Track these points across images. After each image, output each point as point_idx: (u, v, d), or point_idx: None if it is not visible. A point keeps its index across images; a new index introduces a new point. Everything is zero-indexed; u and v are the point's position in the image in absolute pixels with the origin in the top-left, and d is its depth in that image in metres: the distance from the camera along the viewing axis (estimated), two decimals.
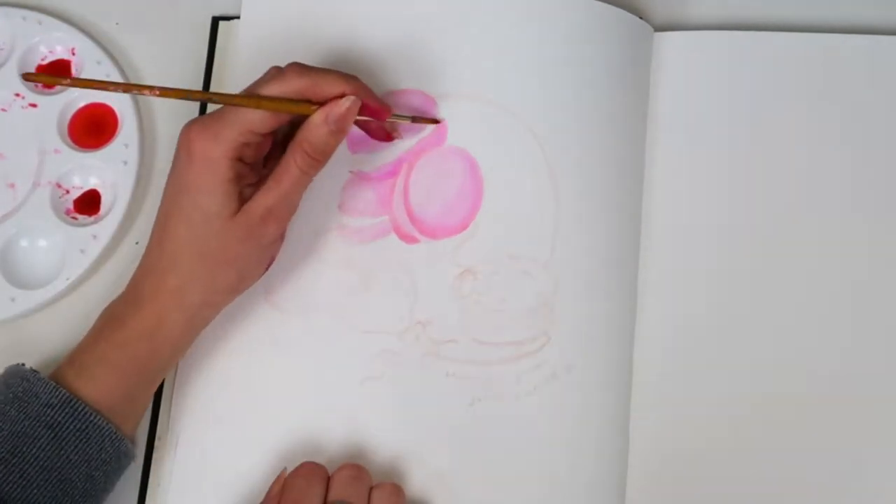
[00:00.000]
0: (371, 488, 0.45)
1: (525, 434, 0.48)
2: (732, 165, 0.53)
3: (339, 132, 0.45)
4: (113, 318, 0.45)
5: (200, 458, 0.49)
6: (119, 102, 0.55)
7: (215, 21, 0.56)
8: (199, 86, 0.55)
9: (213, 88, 0.55)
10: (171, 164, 0.45)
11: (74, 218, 0.53)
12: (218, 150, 0.43)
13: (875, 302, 0.52)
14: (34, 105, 0.54)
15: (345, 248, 0.51)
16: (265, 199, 0.44)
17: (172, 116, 0.55)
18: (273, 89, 0.44)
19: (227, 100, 0.44)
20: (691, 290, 0.52)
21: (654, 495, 0.49)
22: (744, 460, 0.50)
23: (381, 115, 0.48)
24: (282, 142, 0.47)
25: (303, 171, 0.45)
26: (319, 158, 0.45)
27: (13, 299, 0.51)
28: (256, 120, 0.43)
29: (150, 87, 0.42)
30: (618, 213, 0.52)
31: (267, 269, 0.49)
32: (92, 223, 0.53)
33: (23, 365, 0.46)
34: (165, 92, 0.42)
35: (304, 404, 0.49)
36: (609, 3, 0.54)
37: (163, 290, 0.44)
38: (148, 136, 0.55)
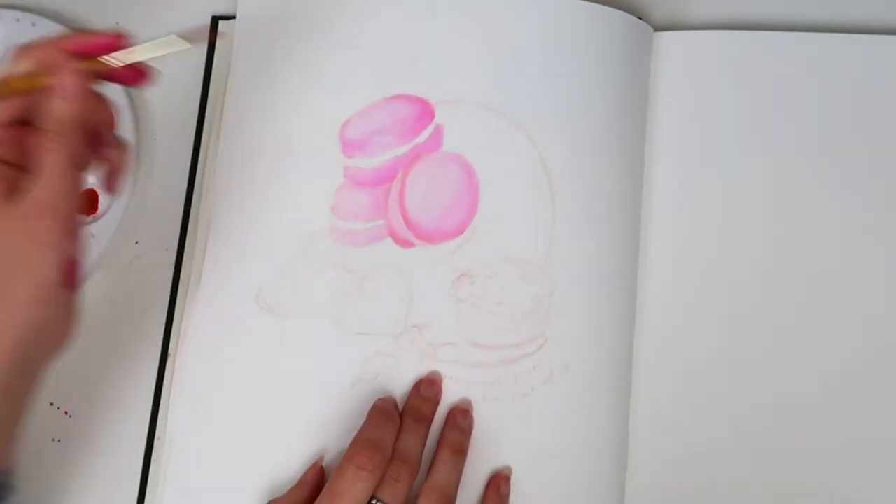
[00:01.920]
0: (418, 494, 0.46)
1: (524, 436, 0.49)
2: (733, 165, 0.54)
3: (76, 98, 0.41)
4: None
5: (194, 461, 0.49)
6: (116, 100, 0.54)
7: (215, 20, 0.56)
8: (198, 85, 0.55)
9: (212, 88, 0.55)
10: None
11: None
12: None
13: (877, 301, 0.52)
14: None
15: (339, 251, 0.51)
16: (31, 196, 0.40)
17: (170, 114, 0.55)
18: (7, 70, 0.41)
19: None
20: (692, 291, 0.52)
21: (654, 496, 0.50)
22: (744, 462, 0.50)
23: (118, 43, 0.43)
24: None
25: (57, 151, 0.41)
26: (67, 134, 0.41)
27: None
28: None
29: None
30: (616, 214, 0.52)
31: (71, 282, 0.42)
32: (90, 222, 0.53)
33: None
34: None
35: (297, 406, 0.49)
36: (608, 3, 0.54)
37: None
38: (144, 134, 0.55)
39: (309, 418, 0.49)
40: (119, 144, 0.45)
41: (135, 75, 0.45)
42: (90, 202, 0.54)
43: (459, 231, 0.51)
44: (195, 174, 0.54)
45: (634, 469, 0.50)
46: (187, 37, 0.43)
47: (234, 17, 0.55)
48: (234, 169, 0.53)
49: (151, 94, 0.56)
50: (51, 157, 0.40)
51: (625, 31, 0.54)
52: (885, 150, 0.54)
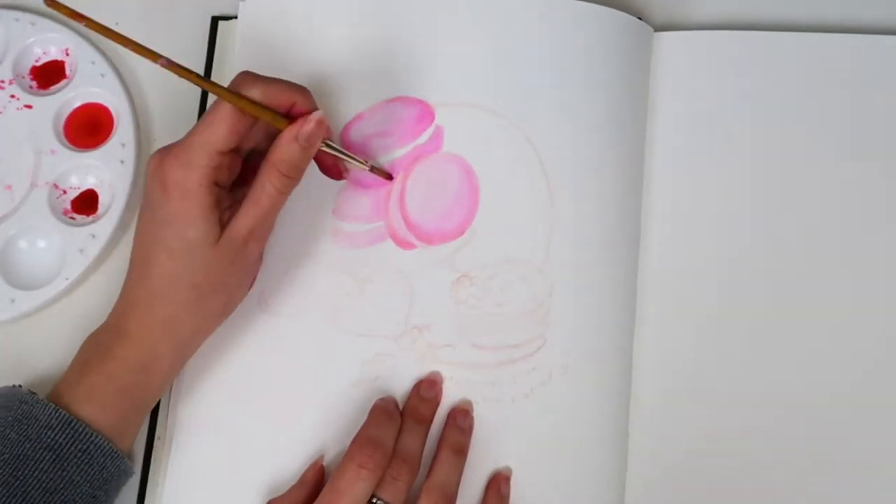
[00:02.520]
0: (418, 495, 0.46)
1: (523, 436, 0.49)
2: (733, 165, 0.54)
3: (309, 148, 0.45)
4: (101, 349, 0.46)
5: (194, 461, 0.49)
6: (114, 102, 0.55)
7: (214, 21, 0.56)
8: (197, 89, 0.55)
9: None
10: (143, 198, 0.45)
11: (73, 218, 0.54)
12: (193, 178, 0.43)
13: (876, 301, 0.52)
14: (29, 106, 0.54)
15: (340, 252, 0.51)
16: (245, 221, 0.45)
17: (168, 114, 0.55)
18: (249, 92, 0.44)
19: (216, 90, 0.43)
20: (691, 291, 0.52)
21: (654, 497, 0.50)
22: (743, 461, 0.50)
23: (328, 135, 0.47)
24: (251, 166, 0.47)
25: (278, 190, 0.45)
26: (293, 176, 0.45)
27: (13, 300, 0.51)
28: (221, 140, 0.43)
29: (159, 56, 0.43)
30: (616, 215, 0.52)
31: (250, 288, 0.50)
32: (90, 223, 0.53)
33: (19, 387, 0.46)
34: (171, 66, 0.43)
35: (298, 407, 0.50)
36: (608, 4, 0.54)
37: (152, 322, 0.45)
38: (144, 134, 0.56)
39: (309, 418, 0.49)
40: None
41: (336, 171, 0.51)
42: (89, 202, 0.54)
43: (459, 232, 0.51)
44: None
45: (634, 469, 0.50)
46: (375, 171, 0.50)
47: (234, 18, 0.55)
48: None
49: (152, 95, 0.56)
50: (272, 193, 0.45)
51: (625, 32, 0.54)
52: (884, 149, 0.54)
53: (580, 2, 0.53)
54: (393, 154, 0.52)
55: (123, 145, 0.54)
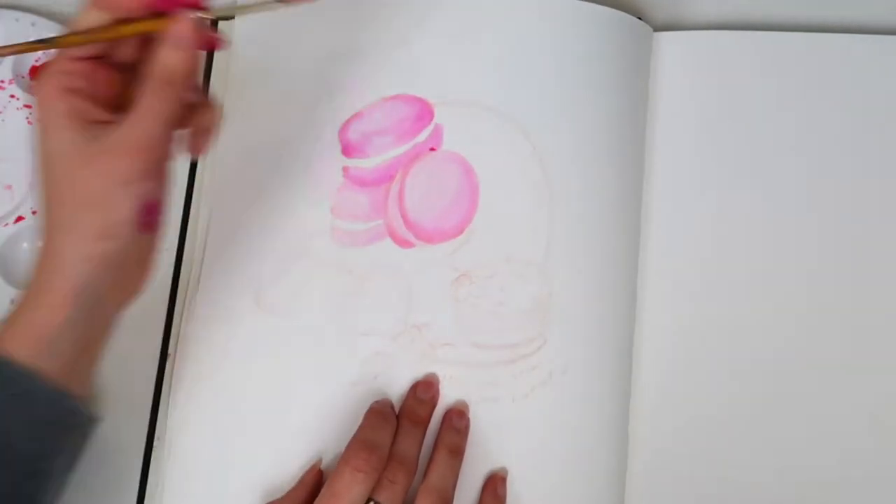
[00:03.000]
0: (416, 495, 0.46)
1: (523, 436, 0.49)
2: (733, 165, 0.54)
3: (188, 48, 0.41)
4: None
5: (194, 461, 0.49)
6: None
7: (214, 21, 0.55)
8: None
9: (212, 88, 0.55)
10: None
11: None
12: (46, 87, 0.41)
13: (876, 302, 0.52)
14: (29, 106, 0.55)
15: (338, 251, 0.51)
16: (119, 132, 0.40)
17: None
18: (90, 19, 0.41)
19: (63, 42, 0.41)
20: (692, 291, 0.53)
21: (654, 497, 0.50)
22: (744, 461, 0.50)
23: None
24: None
25: (160, 98, 0.41)
26: (174, 80, 0.41)
27: (13, 301, 0.51)
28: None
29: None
30: (616, 214, 0.52)
31: (149, 224, 0.43)
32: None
33: None
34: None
35: (298, 406, 0.50)
36: (608, 3, 0.54)
37: (43, 247, 0.41)
38: None
39: (308, 419, 0.49)
40: (209, 104, 0.45)
41: (210, 41, 0.44)
42: None
43: (459, 231, 0.51)
44: (195, 174, 0.54)
45: (634, 469, 0.50)
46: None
47: (232, 18, 0.55)
48: (233, 169, 0.53)
49: None
50: (151, 102, 0.40)
51: (625, 32, 0.54)
52: (885, 150, 0.54)
53: (580, 1, 0.53)
54: (392, 152, 0.52)
55: None
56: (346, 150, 0.53)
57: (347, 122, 0.53)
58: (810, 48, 0.55)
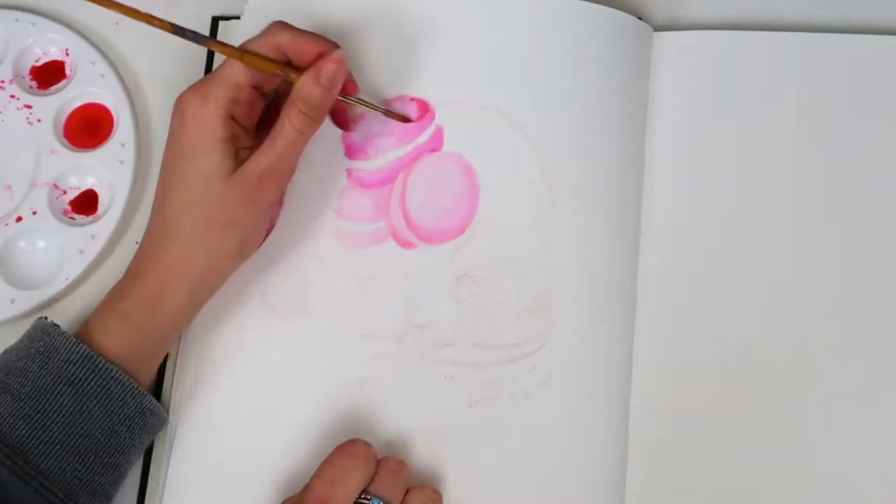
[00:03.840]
0: (409, 488, 0.45)
1: (523, 435, 0.49)
2: (733, 165, 0.54)
3: (331, 88, 0.46)
4: (118, 289, 0.47)
5: (194, 461, 0.49)
6: (114, 102, 0.55)
7: (215, 21, 0.57)
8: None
9: None
10: (168, 133, 0.46)
11: (72, 218, 0.54)
12: (208, 110, 0.44)
13: (878, 298, 0.52)
14: (29, 106, 0.55)
15: (342, 252, 0.51)
16: (262, 159, 0.45)
17: (168, 114, 0.54)
18: (259, 43, 0.45)
19: (213, 44, 0.45)
20: (692, 290, 0.53)
21: (654, 497, 0.50)
22: (744, 461, 0.50)
23: (350, 90, 0.49)
24: (275, 109, 0.47)
25: (298, 130, 0.45)
26: (314, 116, 0.46)
27: (13, 300, 0.52)
28: (240, 73, 0.45)
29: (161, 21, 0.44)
30: (616, 214, 0.52)
31: (267, 235, 0.50)
32: (90, 223, 0.53)
33: (46, 318, 0.46)
34: (151, 18, 0.44)
35: (300, 407, 0.50)
36: (608, 3, 0.54)
37: (164, 258, 0.45)
38: (144, 134, 0.56)
39: (311, 419, 0.49)
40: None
41: (343, 119, 0.52)
42: (88, 202, 0.54)
43: (460, 231, 0.52)
44: None
45: (634, 469, 0.50)
46: (395, 115, 0.51)
47: (234, 18, 0.56)
48: None
49: (152, 95, 0.56)
50: (292, 133, 0.45)
51: (625, 32, 0.54)
52: (885, 148, 0.54)
53: (580, 1, 0.54)
54: (394, 154, 0.53)
55: (123, 145, 0.54)
56: (350, 152, 0.53)
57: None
58: (811, 48, 0.55)
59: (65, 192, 0.54)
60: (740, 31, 0.55)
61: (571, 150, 0.52)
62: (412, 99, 0.53)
